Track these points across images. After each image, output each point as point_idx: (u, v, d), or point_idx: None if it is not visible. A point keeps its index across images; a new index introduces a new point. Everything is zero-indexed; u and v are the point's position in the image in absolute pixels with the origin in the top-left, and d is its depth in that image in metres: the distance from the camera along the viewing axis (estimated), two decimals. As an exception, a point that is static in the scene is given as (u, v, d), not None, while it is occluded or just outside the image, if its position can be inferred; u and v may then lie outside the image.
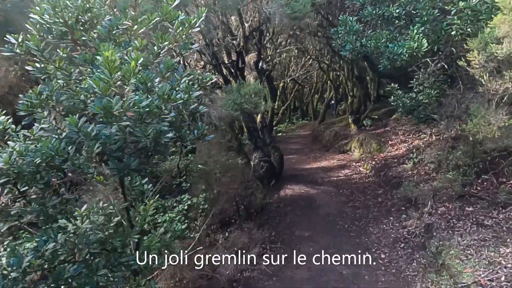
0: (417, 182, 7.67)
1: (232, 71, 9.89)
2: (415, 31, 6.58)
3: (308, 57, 27.10)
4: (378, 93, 17.41)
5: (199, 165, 8.55)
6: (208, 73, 4.24)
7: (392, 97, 8.33)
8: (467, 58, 5.68)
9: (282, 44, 15.71)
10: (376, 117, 15.50)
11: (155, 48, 3.28)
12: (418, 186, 7.58)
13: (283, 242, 7.28)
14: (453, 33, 6.59)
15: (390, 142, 11.50)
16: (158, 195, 5.49)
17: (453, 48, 7.22)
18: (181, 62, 11.10)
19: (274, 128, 26.05)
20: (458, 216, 6.41)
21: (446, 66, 7.90)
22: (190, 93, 3.26)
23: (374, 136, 12.47)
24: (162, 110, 2.99)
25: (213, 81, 4.13)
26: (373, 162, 10.45)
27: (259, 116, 10.82)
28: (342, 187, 9.55)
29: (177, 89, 3.19)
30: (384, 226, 7.15)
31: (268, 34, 12.71)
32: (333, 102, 22.69)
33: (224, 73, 10.03)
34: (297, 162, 13.32)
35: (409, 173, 8.41)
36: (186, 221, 7.36)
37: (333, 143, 15.17)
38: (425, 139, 10.36)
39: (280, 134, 22.84)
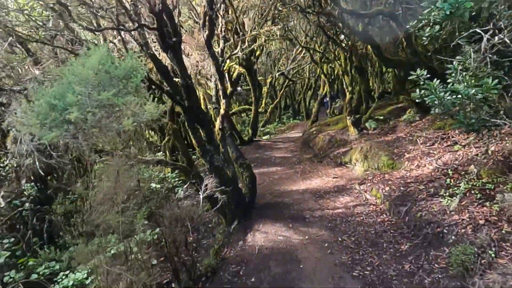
0: (479, 245, 4.12)
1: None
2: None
3: (299, 47, 23.53)
4: (383, 88, 13.86)
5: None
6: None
7: (419, 91, 4.92)
8: None
9: (260, 24, 12.06)
10: (381, 117, 11.94)
11: None
12: (481, 249, 4.04)
13: None
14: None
15: (406, 155, 7.95)
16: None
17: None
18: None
19: (262, 129, 22.47)
20: None
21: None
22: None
23: (382, 144, 8.92)
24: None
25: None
26: (386, 187, 6.89)
27: (218, 120, 7.23)
28: (341, 231, 5.99)
29: None
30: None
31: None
32: (327, 99, 19.11)
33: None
34: (279, 180, 9.76)
35: (454, 218, 4.86)
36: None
37: (327, 151, 11.61)
38: (461, 151, 6.83)
39: (266, 137, 19.24)
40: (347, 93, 12.01)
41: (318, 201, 7.47)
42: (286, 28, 13.34)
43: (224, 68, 19.11)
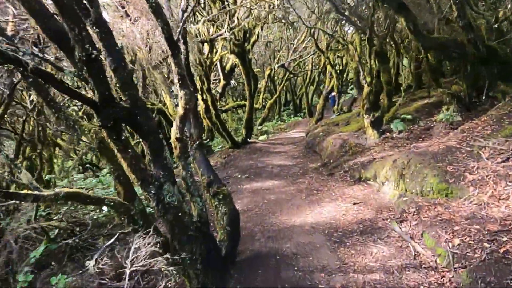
0: None
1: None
2: None
3: (301, 37, 20.63)
4: (419, 78, 10.92)
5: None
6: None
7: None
8: None
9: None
10: (409, 117, 9.11)
11: None
12: None
13: None
14: None
15: (469, 176, 5.12)
16: None
17: None
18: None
19: (259, 127, 19.65)
20: None
21: None
22: None
23: (426, 158, 6.07)
24: None
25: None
26: (450, 235, 4.09)
27: (174, 125, 4.38)
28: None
29: None
30: None
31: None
32: (333, 94, 16.24)
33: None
34: (277, 204, 6.93)
35: None
36: None
37: (339, 160, 8.80)
38: None
39: (263, 137, 16.39)
40: (365, 86, 9.15)
41: (336, 252, 4.66)
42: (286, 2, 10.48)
43: (215, 59, 16.23)
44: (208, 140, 15.07)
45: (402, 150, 7.56)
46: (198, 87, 12.74)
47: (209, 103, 12.19)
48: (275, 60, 21.05)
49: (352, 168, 7.99)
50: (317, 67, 22.03)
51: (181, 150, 4.32)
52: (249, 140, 14.09)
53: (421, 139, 8.09)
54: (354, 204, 6.26)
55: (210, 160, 12.78)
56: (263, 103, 22.44)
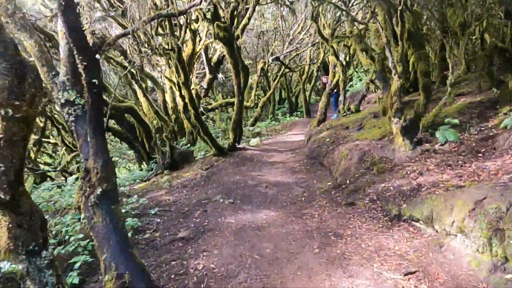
0: None
1: None
2: None
3: (299, 26, 17.96)
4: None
5: None
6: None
7: None
8: None
9: None
10: (455, 121, 6.50)
11: None
12: None
13: None
14: None
15: None
16: None
17: None
18: None
19: (250, 128, 16.93)
20: None
21: None
22: None
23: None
24: None
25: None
26: None
27: None
28: None
29: None
30: None
31: None
32: (337, 92, 13.61)
33: None
34: (273, 264, 4.26)
35: None
36: None
37: (360, 180, 6.15)
38: None
39: (255, 141, 13.71)
40: (395, 78, 6.47)
41: None
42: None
43: (199, 48, 13.46)
44: (189, 144, 12.32)
45: (463, 172, 4.94)
46: (175, 80, 9.97)
47: (187, 100, 9.44)
48: (269, 53, 18.34)
49: (384, 196, 5.35)
50: (315, 61, 19.37)
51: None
52: (237, 146, 11.38)
53: (480, 155, 5.50)
54: (407, 274, 3.60)
55: (188, 172, 10.06)
56: (256, 101, 19.73)
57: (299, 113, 20.46)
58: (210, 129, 22.82)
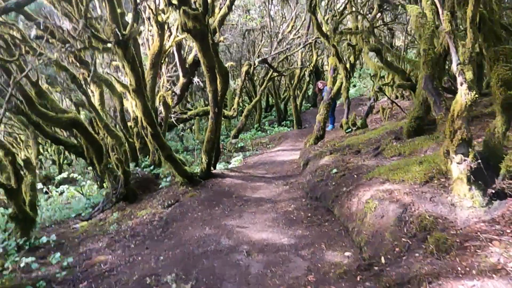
0: None
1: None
2: None
3: (290, 23, 15.41)
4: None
5: None
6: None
7: None
8: None
9: None
10: None
11: None
12: None
13: None
14: None
15: None
16: None
17: None
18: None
19: (233, 141, 14.20)
20: None
21: None
22: None
23: None
24: None
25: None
26: None
27: None
28: None
29: None
30: None
31: None
32: (334, 100, 11.06)
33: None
34: None
35: None
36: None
37: (409, 264, 3.52)
38: None
39: (237, 160, 11.03)
40: (463, 89, 3.89)
41: None
42: None
43: (169, 46, 10.69)
44: (153, 166, 9.50)
45: None
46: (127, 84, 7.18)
47: (140, 113, 6.66)
48: (256, 54, 15.68)
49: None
50: (308, 64, 16.82)
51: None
52: (213, 171, 8.64)
53: None
54: None
55: (146, 209, 7.29)
56: (240, 108, 17.03)
57: (288, 122, 17.86)
58: (188, 142, 19.99)
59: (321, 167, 6.98)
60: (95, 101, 10.53)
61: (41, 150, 18.57)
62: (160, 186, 8.83)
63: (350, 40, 9.46)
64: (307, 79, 18.03)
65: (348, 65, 9.68)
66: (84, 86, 8.02)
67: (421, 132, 6.68)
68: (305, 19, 17.15)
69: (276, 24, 16.80)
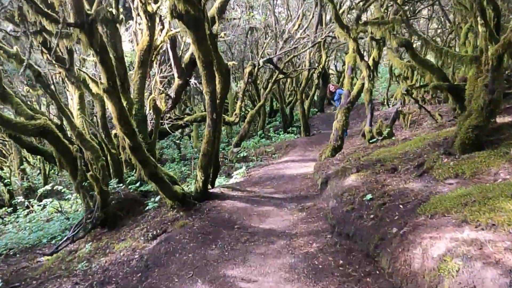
0: None
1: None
2: None
3: (297, 21, 13.94)
4: None
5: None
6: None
7: None
8: None
9: None
10: None
11: None
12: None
13: None
14: None
15: None
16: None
17: None
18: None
19: (234, 150, 12.64)
20: None
21: None
22: None
23: None
24: None
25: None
26: None
27: None
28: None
29: None
30: None
31: None
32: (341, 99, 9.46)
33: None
34: None
35: None
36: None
37: None
38: None
39: (240, 172, 9.47)
40: None
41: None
42: None
43: (161, 41, 9.21)
44: (139, 183, 7.91)
45: None
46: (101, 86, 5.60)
47: (115, 119, 5.06)
48: (260, 54, 14.13)
49: None
50: (317, 65, 15.25)
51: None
52: (211, 190, 7.03)
53: None
54: None
55: (125, 241, 5.69)
56: (243, 113, 15.46)
57: (294, 129, 16.25)
58: (186, 149, 18.34)
59: (348, 190, 5.36)
60: (74, 104, 8.98)
61: (29, 158, 17.02)
62: (147, 207, 7.21)
63: (372, 34, 7.88)
64: (316, 81, 16.46)
65: (371, 63, 8.09)
66: (52, 85, 6.46)
67: (480, 146, 5.07)
68: (313, 16, 15.63)
69: (281, 24, 15.28)
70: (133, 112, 7.41)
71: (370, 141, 7.88)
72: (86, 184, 6.88)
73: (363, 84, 8.42)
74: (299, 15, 15.67)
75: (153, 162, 5.48)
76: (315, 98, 20.15)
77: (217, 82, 6.59)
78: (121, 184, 7.86)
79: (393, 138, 8.02)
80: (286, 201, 6.62)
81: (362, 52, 10.43)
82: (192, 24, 5.73)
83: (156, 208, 7.04)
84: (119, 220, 6.93)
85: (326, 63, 17.59)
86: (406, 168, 5.48)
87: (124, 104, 6.87)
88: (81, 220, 6.71)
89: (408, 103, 9.57)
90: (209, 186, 7.10)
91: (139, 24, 9.05)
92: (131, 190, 7.69)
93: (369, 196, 4.82)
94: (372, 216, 4.39)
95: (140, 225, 6.34)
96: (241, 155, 12.21)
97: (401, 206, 4.31)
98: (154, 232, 5.77)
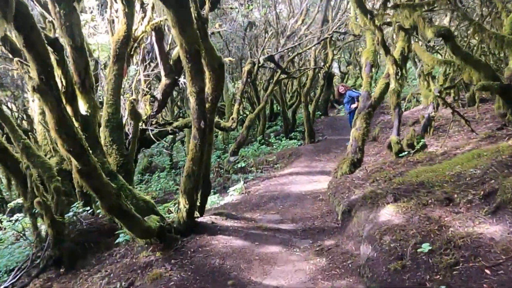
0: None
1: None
2: None
3: (300, 17, 12.37)
4: None
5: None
6: None
7: None
8: None
9: None
10: None
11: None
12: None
13: None
14: None
15: None
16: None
17: None
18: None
19: (231, 159, 11.03)
20: None
21: None
22: None
23: None
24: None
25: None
26: None
27: None
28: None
29: None
30: None
31: None
32: (354, 106, 7.87)
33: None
34: None
35: None
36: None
37: None
38: None
39: (238, 188, 7.83)
40: None
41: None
42: None
43: (142, 31, 7.59)
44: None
45: None
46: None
47: (52, 131, 3.43)
48: (260, 51, 12.52)
49: None
50: (323, 64, 13.67)
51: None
52: (198, 219, 5.40)
53: None
54: None
55: None
56: (241, 117, 13.88)
57: (297, 134, 14.66)
58: (179, 154, 16.69)
59: (389, 231, 3.73)
60: (36, 109, 7.37)
61: None
62: (119, 239, 5.56)
63: (400, 21, 6.28)
64: (321, 82, 14.88)
65: (399, 59, 6.51)
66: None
67: None
68: (318, 11, 14.08)
69: (282, 22, 13.74)
70: (98, 119, 5.78)
71: (399, 154, 6.27)
72: (36, 211, 5.26)
73: (387, 84, 6.84)
74: (302, 10, 14.14)
75: (114, 192, 3.84)
76: (319, 102, 18.58)
77: (207, 80, 4.99)
78: (88, 208, 6.22)
79: (426, 151, 6.43)
80: (296, 235, 4.99)
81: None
82: (173, 5, 4.13)
83: (129, 240, 5.41)
84: (80, 258, 5.30)
85: (331, 62, 16.04)
86: (468, 199, 3.86)
87: (85, 109, 5.26)
88: (25, 261, 5.07)
89: (442, 107, 8.01)
90: (197, 214, 5.47)
91: (116, 10, 7.43)
92: (99, 217, 6.05)
93: (426, 247, 3.21)
94: (441, 285, 2.78)
95: (102, 269, 4.71)
96: (239, 165, 10.59)
97: (486, 270, 2.72)
98: (118, 285, 4.14)
